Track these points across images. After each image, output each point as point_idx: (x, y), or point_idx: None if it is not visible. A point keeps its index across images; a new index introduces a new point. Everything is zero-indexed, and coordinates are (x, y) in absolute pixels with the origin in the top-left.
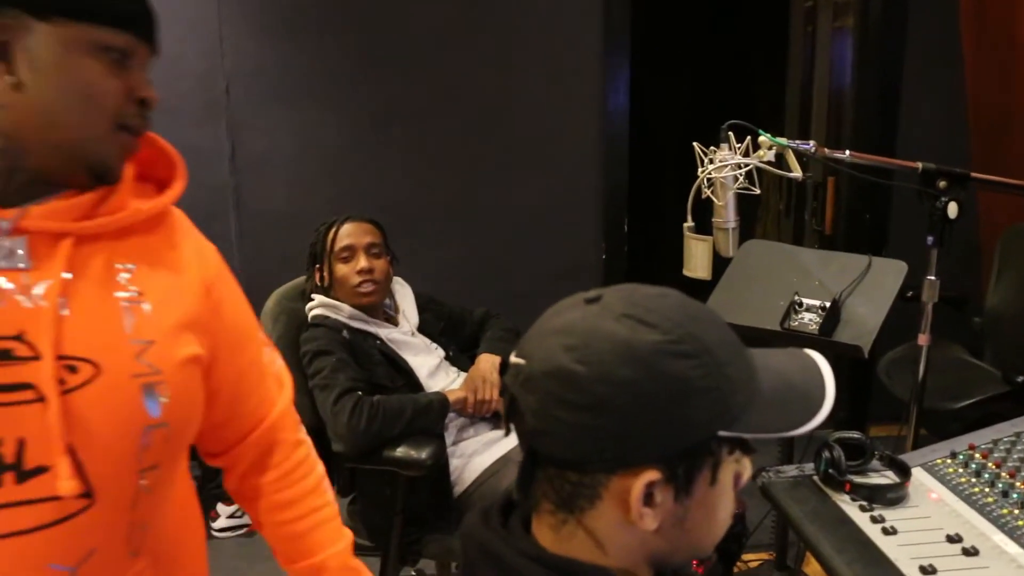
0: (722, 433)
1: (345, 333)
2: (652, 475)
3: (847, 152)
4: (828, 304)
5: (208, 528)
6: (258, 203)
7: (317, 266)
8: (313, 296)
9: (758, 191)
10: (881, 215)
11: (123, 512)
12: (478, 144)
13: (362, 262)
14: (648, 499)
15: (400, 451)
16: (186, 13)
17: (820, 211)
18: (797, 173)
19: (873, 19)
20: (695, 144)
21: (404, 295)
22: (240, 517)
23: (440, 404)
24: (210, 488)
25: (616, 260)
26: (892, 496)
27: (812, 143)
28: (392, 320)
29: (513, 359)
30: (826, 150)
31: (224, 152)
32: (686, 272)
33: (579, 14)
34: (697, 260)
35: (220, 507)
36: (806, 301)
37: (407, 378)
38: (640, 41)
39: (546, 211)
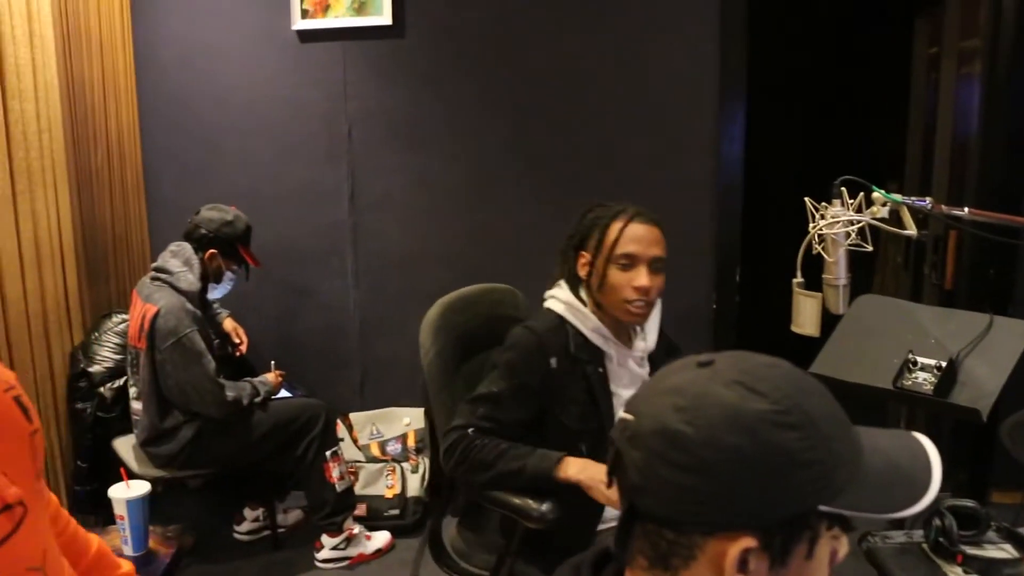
0: (822, 507)
1: (554, 362)
2: (749, 542)
3: (966, 209)
4: (944, 364)
5: (313, 558)
6: (375, 242)
7: (583, 253)
8: (560, 284)
9: (870, 248)
10: (1007, 270)
11: None
12: (591, 189)
13: (643, 278)
14: (743, 565)
15: (518, 499)
16: (314, 59)
17: (940, 265)
18: (912, 231)
19: (1001, 66)
20: (807, 199)
21: (652, 313)
22: (343, 549)
23: (536, 475)
24: (316, 519)
25: (727, 311)
26: (1009, 572)
27: (929, 200)
28: (630, 339)
29: (622, 414)
30: (943, 207)
31: (344, 192)
32: (794, 328)
33: (696, 60)
34: (806, 316)
35: (324, 538)
36: (921, 360)
37: (599, 422)
38: (756, 88)
39: None
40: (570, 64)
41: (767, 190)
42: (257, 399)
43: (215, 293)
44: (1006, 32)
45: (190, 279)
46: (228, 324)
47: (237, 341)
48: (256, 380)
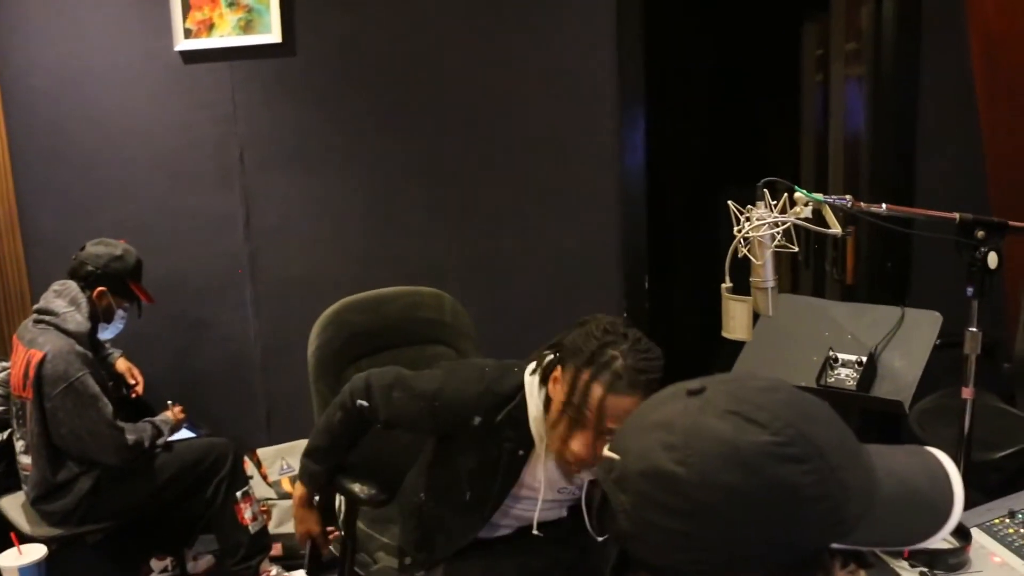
0: (835, 545)
1: (477, 420)
2: None
3: (884, 206)
4: (864, 359)
5: None
6: (274, 269)
7: (558, 370)
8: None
9: (796, 249)
10: (903, 263)
11: None
12: (495, 205)
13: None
14: None
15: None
16: (200, 81)
17: (841, 261)
18: (836, 229)
19: (885, 67)
20: (730, 203)
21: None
22: (173, 571)
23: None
24: (231, 564)
25: (638, 320)
26: (953, 561)
27: (848, 198)
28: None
29: (607, 452)
30: (862, 204)
31: (239, 218)
32: (726, 334)
33: (595, 71)
34: (737, 321)
35: (153, 562)
36: (841, 356)
37: (487, 491)
38: (653, 97)
39: (566, 271)
40: (467, 79)
41: (669, 195)
42: (160, 440)
43: (106, 333)
44: (887, 35)
45: (78, 319)
46: (121, 364)
47: (132, 382)
48: (156, 419)
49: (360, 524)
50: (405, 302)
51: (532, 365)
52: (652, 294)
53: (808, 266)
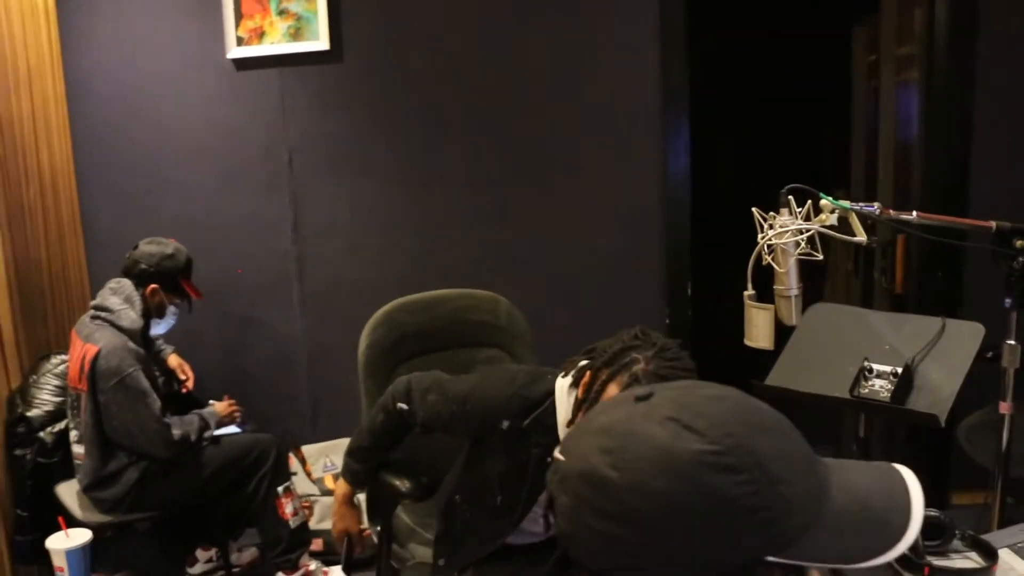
0: (772, 559)
1: (505, 424)
2: None
3: (914, 213)
4: (900, 370)
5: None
6: (321, 269)
7: (588, 374)
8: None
9: (820, 257)
10: (955, 273)
11: None
12: (538, 210)
13: None
14: None
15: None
16: (251, 87)
17: (890, 270)
18: (861, 237)
19: (938, 72)
20: (754, 210)
21: None
22: (218, 561)
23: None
24: (271, 558)
25: (680, 326)
26: None
27: (876, 205)
28: None
29: (556, 453)
30: (891, 212)
31: (288, 220)
32: (747, 342)
33: (637, 77)
34: (759, 329)
35: (199, 552)
36: (876, 367)
37: (516, 496)
38: (698, 97)
39: (609, 277)
40: (511, 84)
41: (715, 200)
42: (206, 433)
43: (158, 329)
44: (940, 38)
45: (132, 316)
46: (173, 360)
47: (183, 377)
48: (204, 412)
49: (405, 518)
50: (458, 304)
51: (563, 372)
52: (696, 301)
53: (857, 275)
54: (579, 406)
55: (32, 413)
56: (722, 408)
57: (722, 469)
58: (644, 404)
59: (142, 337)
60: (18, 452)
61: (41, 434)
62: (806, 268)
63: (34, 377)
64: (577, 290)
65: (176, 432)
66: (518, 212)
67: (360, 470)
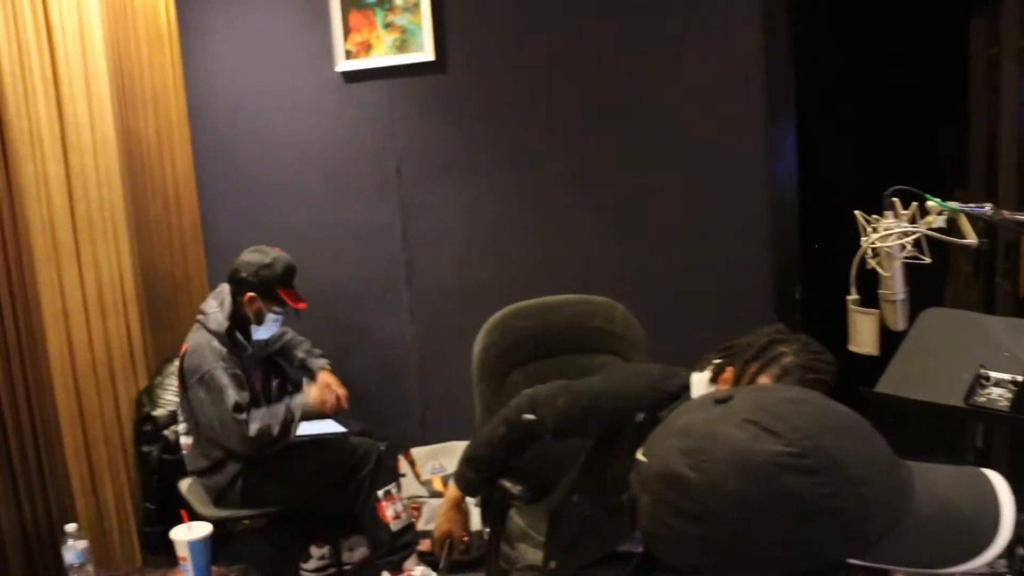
0: (854, 561)
1: (640, 417)
2: None
3: None
4: (1021, 378)
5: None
6: (429, 277)
7: (729, 368)
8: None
9: (928, 260)
10: None
11: None
12: (641, 215)
13: None
14: None
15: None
16: (360, 99)
17: (1013, 273)
18: (972, 239)
19: None
20: (857, 213)
21: None
22: (331, 559)
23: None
24: (377, 559)
25: None
26: None
27: (988, 206)
28: None
29: (638, 455)
30: (1006, 212)
31: (397, 228)
32: (852, 347)
33: (742, 79)
34: (863, 335)
35: (313, 549)
36: (994, 375)
37: None
38: (805, 96)
39: (715, 281)
40: (615, 90)
41: (825, 202)
42: (293, 424)
43: (260, 333)
44: None
45: (219, 319)
46: (323, 376)
47: (324, 397)
48: (293, 402)
49: (518, 520)
50: (573, 310)
51: (699, 368)
52: (804, 305)
53: (977, 278)
54: None
55: (157, 412)
56: (801, 411)
57: (800, 471)
58: (723, 407)
59: (230, 338)
60: (145, 449)
61: (166, 432)
62: (918, 272)
63: (159, 379)
64: (683, 295)
65: (254, 427)
66: (624, 217)
67: (475, 479)
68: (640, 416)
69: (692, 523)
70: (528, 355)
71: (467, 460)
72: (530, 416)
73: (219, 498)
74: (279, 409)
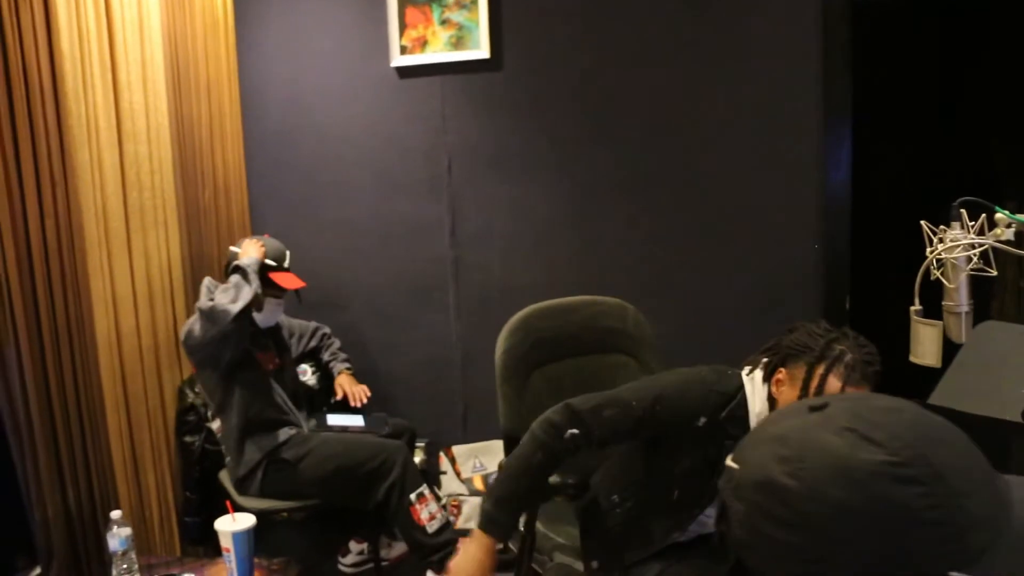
0: (955, 574)
1: (701, 421)
2: None
3: None
4: None
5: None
6: (476, 274)
7: (781, 371)
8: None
9: (994, 273)
10: None
11: None
12: (691, 218)
13: None
14: None
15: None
16: (413, 95)
17: None
18: None
19: None
20: (923, 223)
21: None
22: (369, 554)
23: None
24: (417, 559)
25: None
26: None
27: None
28: None
29: (728, 462)
30: None
31: (446, 225)
32: (913, 359)
33: (798, 85)
34: (926, 346)
35: (352, 544)
36: None
37: (701, 489)
38: (861, 100)
39: (763, 289)
40: (668, 90)
41: (877, 211)
42: (247, 283)
43: (263, 320)
44: None
45: (202, 300)
46: (343, 379)
47: (340, 396)
48: (242, 262)
49: (538, 524)
50: (589, 311)
51: (747, 368)
52: (854, 316)
53: None
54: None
55: (200, 402)
56: (900, 419)
57: (903, 481)
58: (819, 414)
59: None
60: (187, 439)
61: (208, 423)
62: (973, 284)
63: None
64: (725, 301)
65: (204, 304)
66: (671, 223)
67: (509, 523)
68: (702, 420)
69: (789, 531)
70: (547, 356)
71: (499, 502)
72: (574, 431)
73: (239, 485)
74: (229, 283)
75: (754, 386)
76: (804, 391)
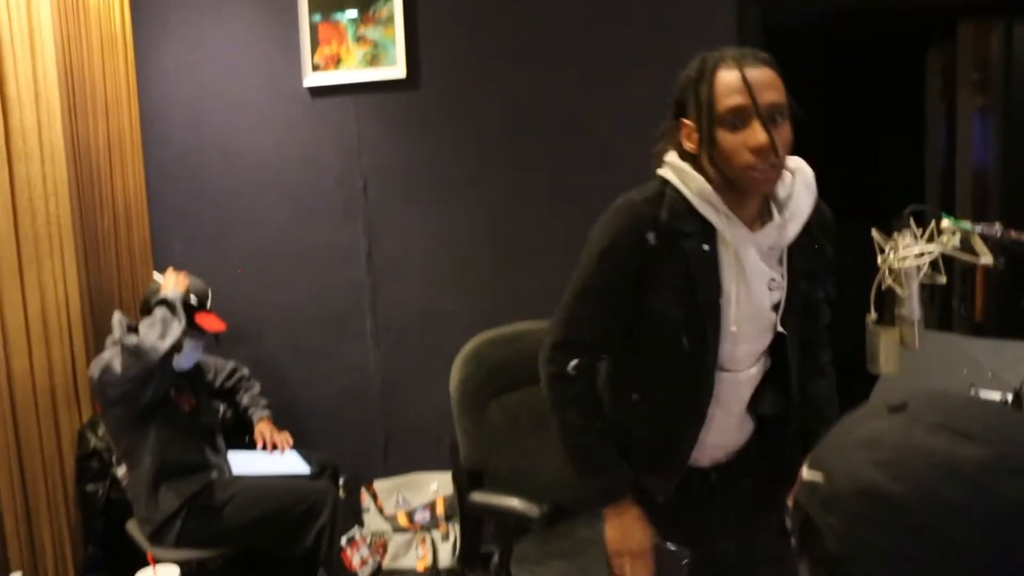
0: None
1: (651, 237)
2: None
3: None
4: (1011, 397)
5: None
6: (394, 300)
7: (684, 121)
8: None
9: (944, 280)
10: None
11: None
12: None
13: (758, 135)
14: None
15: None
16: (326, 115)
17: (969, 297)
18: (988, 258)
19: (1017, 96)
20: (873, 230)
21: (799, 182)
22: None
23: (587, 493)
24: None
25: None
26: None
27: (998, 226)
28: (760, 223)
29: (806, 475)
30: (1013, 232)
31: (361, 250)
32: (872, 369)
33: None
34: (885, 355)
35: None
36: (984, 394)
37: (698, 315)
38: None
39: None
40: (590, 109)
41: None
42: (173, 322)
43: (181, 362)
44: (1020, 61)
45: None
46: (263, 426)
47: (261, 446)
48: (166, 294)
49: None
50: (541, 336)
51: (658, 165)
52: None
53: (932, 302)
54: (711, 124)
55: (103, 446)
56: (986, 412)
57: (1011, 473)
58: (903, 415)
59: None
60: (90, 488)
61: (113, 469)
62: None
63: None
64: None
65: (129, 340)
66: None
67: (619, 476)
68: (651, 236)
69: (900, 539)
70: (504, 385)
71: (596, 471)
72: (575, 360)
73: (154, 536)
74: (154, 317)
75: (675, 170)
76: (710, 112)
